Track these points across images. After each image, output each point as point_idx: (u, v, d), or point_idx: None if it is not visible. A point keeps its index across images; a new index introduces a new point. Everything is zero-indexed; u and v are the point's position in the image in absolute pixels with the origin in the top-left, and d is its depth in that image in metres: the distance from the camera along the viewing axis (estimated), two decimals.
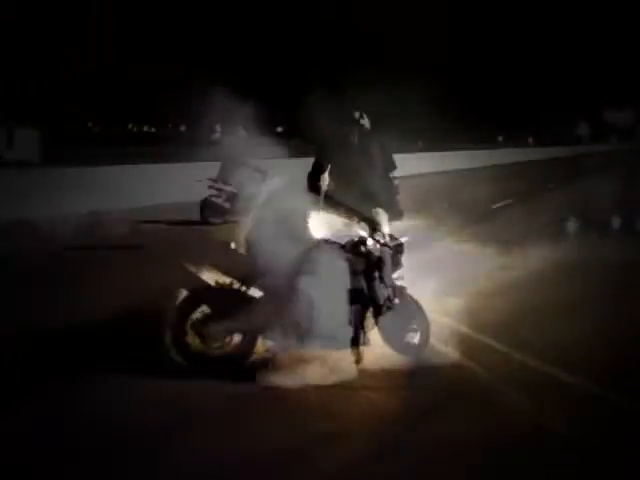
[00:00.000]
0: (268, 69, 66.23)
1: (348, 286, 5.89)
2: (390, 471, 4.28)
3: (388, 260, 6.39)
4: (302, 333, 5.66)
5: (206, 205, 15.64)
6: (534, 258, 10.84)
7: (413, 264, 6.76)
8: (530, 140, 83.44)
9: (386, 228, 6.44)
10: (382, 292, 6.16)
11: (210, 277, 6.08)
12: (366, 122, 6.80)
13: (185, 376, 5.67)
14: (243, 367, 5.75)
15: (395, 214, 6.75)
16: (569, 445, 4.63)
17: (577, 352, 6.28)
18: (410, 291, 6.41)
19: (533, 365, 6.09)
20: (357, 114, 6.75)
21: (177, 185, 19.37)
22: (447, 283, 7.44)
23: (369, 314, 6.07)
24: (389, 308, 6.30)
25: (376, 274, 6.08)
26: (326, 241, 5.93)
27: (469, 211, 18.27)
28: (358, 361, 5.82)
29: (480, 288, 8.30)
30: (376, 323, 6.15)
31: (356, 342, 5.88)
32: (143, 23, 74.07)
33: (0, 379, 5.73)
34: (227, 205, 15.22)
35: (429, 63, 66.99)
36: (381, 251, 6.26)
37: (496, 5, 75.62)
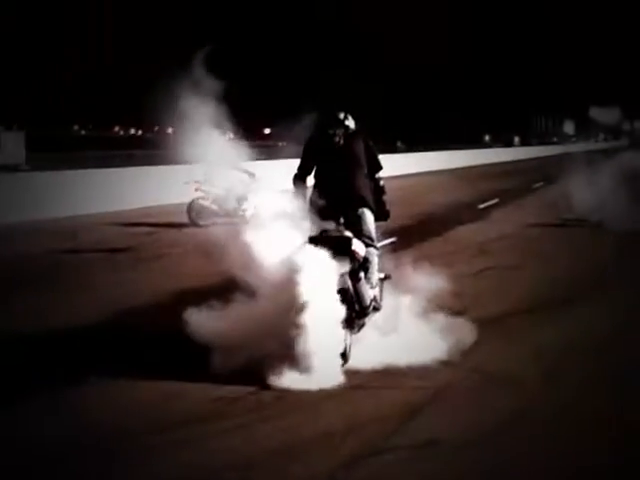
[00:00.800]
0: (257, 70, 66.19)
1: (336, 286, 5.88)
2: (378, 471, 4.29)
3: (374, 260, 6.40)
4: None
5: (193, 207, 15.63)
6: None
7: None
8: (516, 139, 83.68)
9: (372, 229, 6.46)
10: (368, 293, 6.18)
11: None
12: (351, 122, 6.74)
13: (169, 379, 5.66)
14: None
15: (381, 214, 6.75)
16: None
17: None
18: None
19: None
20: (342, 115, 6.71)
21: (163, 188, 19.36)
22: None
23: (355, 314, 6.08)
24: (375, 309, 6.31)
25: (362, 275, 6.07)
26: (313, 241, 5.90)
27: (456, 212, 18.33)
28: (344, 361, 5.81)
29: None
30: (362, 324, 6.16)
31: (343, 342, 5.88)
32: (131, 25, 73.88)
33: None
34: (214, 207, 15.21)
35: (414, 63, 67.05)
36: (367, 252, 6.28)
37: (482, 5, 75.80)
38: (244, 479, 4.23)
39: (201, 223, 15.23)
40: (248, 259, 6.20)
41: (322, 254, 5.81)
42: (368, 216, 6.44)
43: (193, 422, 4.95)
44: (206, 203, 15.41)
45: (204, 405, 5.24)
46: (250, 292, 6.24)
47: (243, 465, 4.35)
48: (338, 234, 6.06)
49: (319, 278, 5.72)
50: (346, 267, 5.98)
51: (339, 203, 6.27)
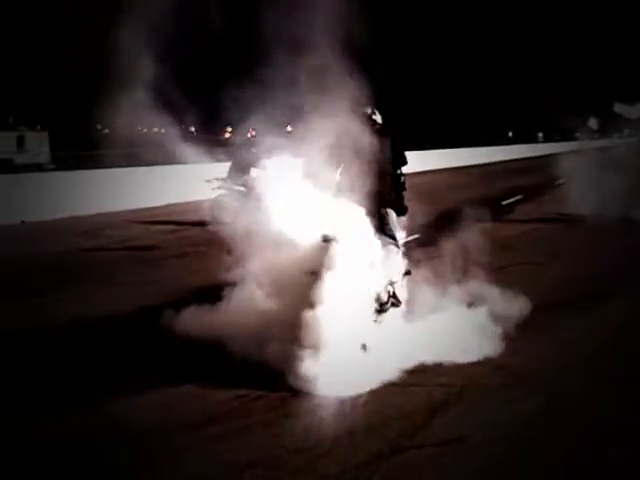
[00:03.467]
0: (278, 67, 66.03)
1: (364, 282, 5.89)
2: (401, 468, 4.31)
3: (394, 257, 6.38)
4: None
5: (215, 205, 15.62)
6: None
7: None
8: (540, 135, 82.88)
9: (394, 227, 6.44)
10: (387, 289, 6.18)
11: None
12: (378, 118, 6.69)
13: (191, 377, 5.72)
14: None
15: (399, 210, 6.71)
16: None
17: None
18: None
19: None
20: (369, 110, 6.66)
21: (186, 185, 19.43)
22: None
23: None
24: (394, 305, 6.30)
25: (380, 272, 6.08)
26: (327, 240, 5.90)
27: (479, 208, 18.21)
28: (366, 358, 5.79)
29: None
30: (381, 320, 6.17)
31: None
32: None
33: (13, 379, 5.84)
34: (236, 204, 15.19)
35: (437, 59, 66.71)
36: (387, 249, 6.27)
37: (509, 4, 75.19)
38: (268, 477, 4.25)
39: (224, 220, 15.23)
40: (271, 256, 6.23)
41: (340, 251, 5.82)
42: (391, 215, 6.43)
43: (218, 420, 4.99)
44: (229, 200, 15.40)
45: (228, 403, 5.28)
46: (270, 289, 6.27)
47: (266, 461, 4.37)
48: (361, 231, 6.04)
49: (338, 275, 5.73)
50: (364, 264, 5.99)
51: (363, 200, 6.22)
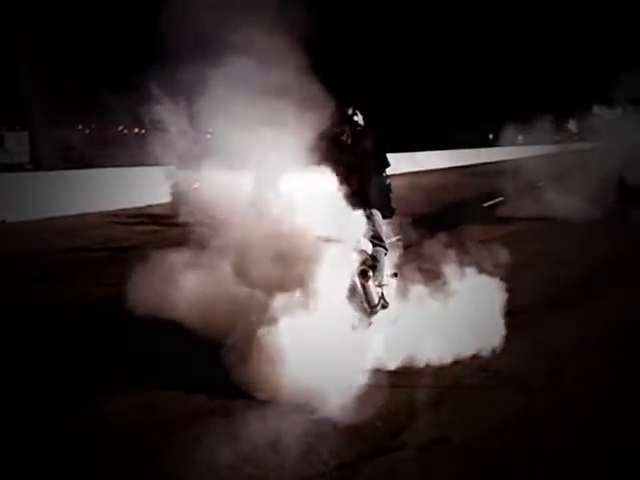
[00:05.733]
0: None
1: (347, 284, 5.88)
2: (383, 470, 4.31)
3: (382, 260, 6.37)
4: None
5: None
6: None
7: None
8: (520, 138, 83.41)
9: (381, 228, 6.44)
10: (377, 291, 6.17)
11: None
12: (359, 118, 6.61)
13: (169, 380, 5.69)
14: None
15: (386, 212, 6.70)
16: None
17: None
18: None
19: None
20: (350, 110, 6.58)
21: (167, 187, 19.33)
22: None
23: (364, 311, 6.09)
24: (384, 307, 6.31)
25: (370, 274, 6.06)
26: (322, 239, 5.87)
27: (463, 210, 18.32)
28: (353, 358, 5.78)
29: None
30: (370, 322, 6.16)
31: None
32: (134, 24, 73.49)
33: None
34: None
35: (416, 58, 66.83)
36: (375, 251, 6.26)
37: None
38: (249, 476, 4.24)
39: (206, 222, 15.16)
40: (253, 257, 6.19)
41: (330, 253, 5.80)
42: (376, 216, 6.40)
43: (198, 420, 4.98)
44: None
45: (208, 403, 5.28)
46: (256, 288, 6.24)
47: (247, 461, 4.36)
48: (347, 232, 6.01)
49: (327, 278, 5.71)
50: (354, 266, 5.98)
51: (347, 202, 6.20)
